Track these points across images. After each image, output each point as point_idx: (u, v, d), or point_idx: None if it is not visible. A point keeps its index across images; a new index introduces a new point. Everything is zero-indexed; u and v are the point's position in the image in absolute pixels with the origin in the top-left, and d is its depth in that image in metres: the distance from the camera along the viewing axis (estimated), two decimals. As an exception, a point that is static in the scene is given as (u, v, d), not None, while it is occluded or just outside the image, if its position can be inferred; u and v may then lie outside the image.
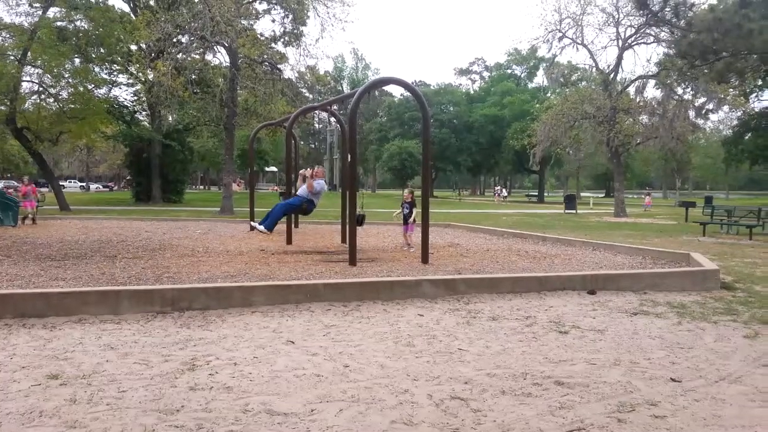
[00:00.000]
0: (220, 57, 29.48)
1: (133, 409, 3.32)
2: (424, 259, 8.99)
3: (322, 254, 10.10)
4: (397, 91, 76.91)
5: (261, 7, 28.59)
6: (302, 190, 10.57)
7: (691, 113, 29.56)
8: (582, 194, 76.05)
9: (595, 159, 55.77)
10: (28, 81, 25.84)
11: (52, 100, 26.17)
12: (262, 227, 10.19)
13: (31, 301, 5.51)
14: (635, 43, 28.89)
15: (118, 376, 3.89)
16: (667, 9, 23.69)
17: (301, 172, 11.23)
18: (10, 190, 18.57)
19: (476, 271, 8.16)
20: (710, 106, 29.60)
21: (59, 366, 4.08)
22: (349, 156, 9.31)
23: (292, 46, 29.26)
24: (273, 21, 29.12)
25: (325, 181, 10.99)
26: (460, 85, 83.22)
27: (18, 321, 5.28)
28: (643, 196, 43.32)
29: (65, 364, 4.11)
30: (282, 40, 29.26)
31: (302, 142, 70.23)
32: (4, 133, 27.01)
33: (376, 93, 71.53)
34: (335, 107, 14.05)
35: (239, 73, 24.53)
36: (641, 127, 30.07)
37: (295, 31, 28.55)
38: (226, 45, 24.34)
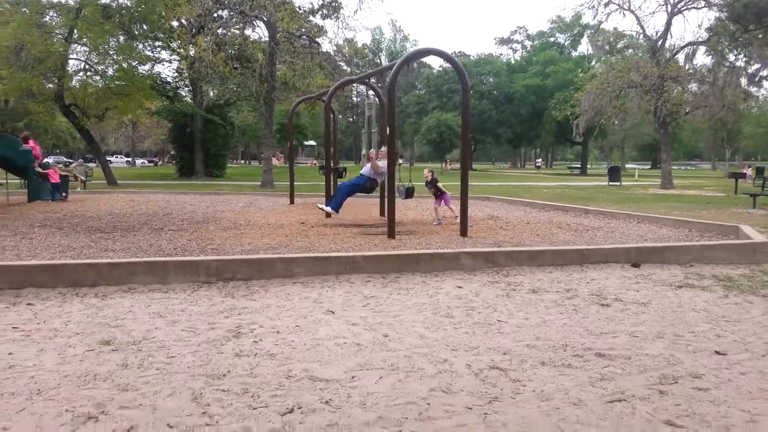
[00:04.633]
0: (259, 32, 29.64)
1: (181, 374, 3.46)
2: (463, 231, 8.96)
3: (360, 227, 10.17)
4: (436, 63, 76.02)
5: (299, -21, 28.50)
6: (366, 169, 10.75)
7: (743, 81, 28.36)
8: (627, 166, 74.14)
9: (642, 129, 54.22)
10: (74, 59, 26.51)
11: (98, 77, 26.78)
12: (329, 208, 10.53)
13: (83, 271, 5.74)
14: (685, 8, 27.75)
15: (167, 342, 4.04)
16: (721, -30, 22.63)
17: (364, 152, 11.45)
18: (58, 166, 19.11)
19: (516, 244, 8.09)
20: (764, 72, 28.31)
21: (111, 333, 4.25)
22: (387, 129, 9.29)
23: (330, 19, 29.14)
24: (311, -7, 28.97)
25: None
26: (501, 55, 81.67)
27: (71, 290, 5.51)
28: (745, 169, 40.27)
29: (117, 331, 4.29)
30: (320, 12, 29.10)
31: (340, 116, 70.31)
32: (53, 110, 27.79)
33: (415, 65, 70.86)
34: (373, 80, 13.99)
35: (278, 48, 24.58)
36: (690, 96, 29.05)
37: (333, 3, 28.35)
38: (265, 19, 24.37)
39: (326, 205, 10.72)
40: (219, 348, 3.93)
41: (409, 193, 10.31)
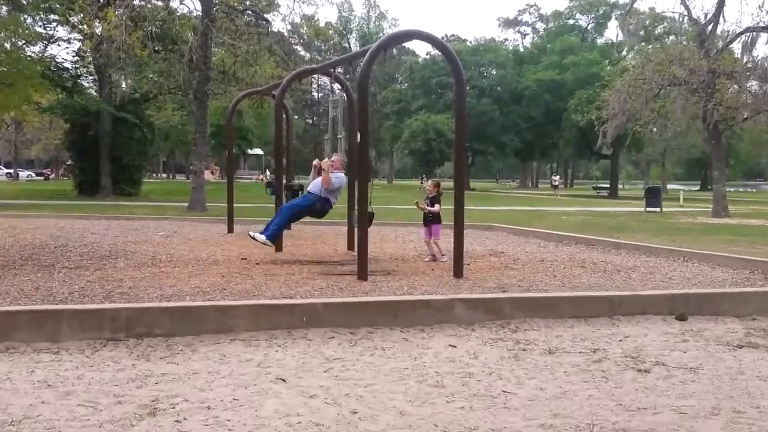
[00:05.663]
0: (189, 4, 29.69)
1: (76, 466, 3.37)
2: (458, 272, 8.99)
3: (322, 265, 10.14)
4: (422, 50, 77.04)
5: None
6: (315, 185, 10.40)
7: (818, 78, 29.19)
8: (669, 187, 75.60)
9: (687, 140, 55.39)
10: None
11: (-30, 61, 26.51)
12: (263, 237, 10.04)
13: (-56, 323, 5.60)
14: (742, -17, 28.59)
15: (57, 422, 3.94)
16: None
17: (315, 162, 11.14)
18: None
19: (526, 289, 8.15)
20: (844, 68, 29.22)
21: (-20, 408, 4.15)
22: (358, 134, 9.33)
23: (284, -10, 29.42)
24: (259, -44, 29.30)
25: (345, 173, 10.85)
26: (506, 40, 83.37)
27: (-73, 349, 5.38)
28: None
29: (-12, 406, 4.18)
30: (271, -19, 29.42)
31: (296, 116, 70.66)
32: None
33: (395, 52, 71.67)
34: (340, 70, 14.09)
35: (214, 25, 24.68)
36: (750, 97, 29.77)
37: (288, -32, 28.71)
38: (197, -13, 24.53)
39: (260, 233, 10.23)
40: (128, 430, 3.85)
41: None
